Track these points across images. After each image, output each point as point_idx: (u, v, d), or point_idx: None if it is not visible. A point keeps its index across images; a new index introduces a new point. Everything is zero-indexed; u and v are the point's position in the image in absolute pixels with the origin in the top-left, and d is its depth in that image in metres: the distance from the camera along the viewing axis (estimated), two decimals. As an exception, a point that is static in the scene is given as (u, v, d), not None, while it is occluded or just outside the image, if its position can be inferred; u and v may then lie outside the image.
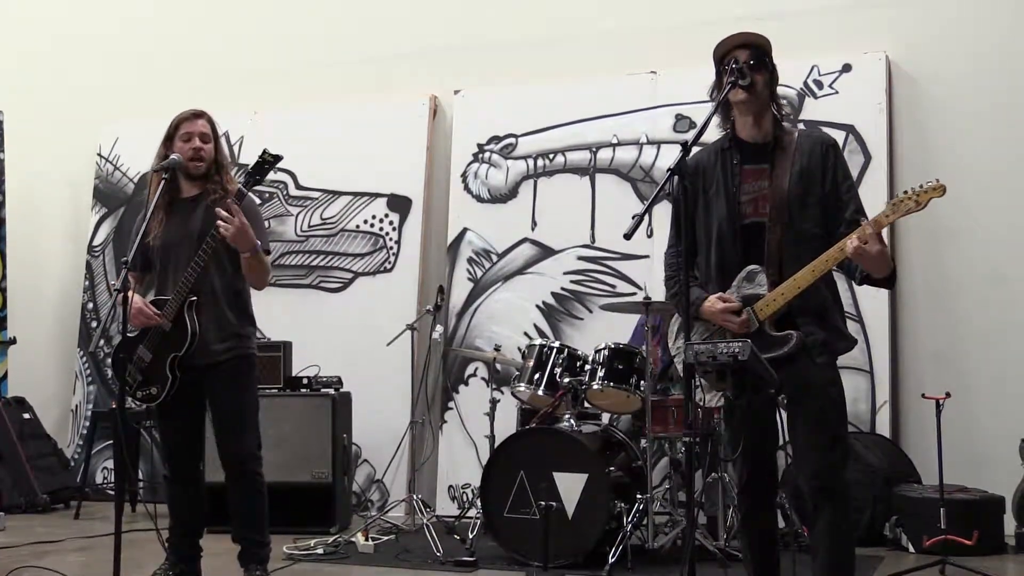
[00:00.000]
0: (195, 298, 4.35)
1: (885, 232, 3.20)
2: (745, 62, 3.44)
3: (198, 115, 4.51)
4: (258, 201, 4.58)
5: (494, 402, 5.90)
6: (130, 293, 4.10)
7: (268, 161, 4.30)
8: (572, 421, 5.35)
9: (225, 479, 4.49)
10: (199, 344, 4.37)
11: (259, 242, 4.35)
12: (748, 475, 3.54)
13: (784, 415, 3.48)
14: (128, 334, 4.17)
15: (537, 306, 7.04)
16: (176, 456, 4.54)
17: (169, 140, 4.48)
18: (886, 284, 3.42)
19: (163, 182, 4.32)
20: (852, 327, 5.94)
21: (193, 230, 4.39)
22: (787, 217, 3.43)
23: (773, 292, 3.39)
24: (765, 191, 3.46)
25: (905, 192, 3.30)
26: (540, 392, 5.59)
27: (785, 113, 3.64)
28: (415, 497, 6.26)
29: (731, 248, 3.49)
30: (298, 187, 7.74)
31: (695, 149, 3.43)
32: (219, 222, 4.19)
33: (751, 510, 3.58)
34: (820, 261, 3.33)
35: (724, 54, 3.51)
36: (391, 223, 7.47)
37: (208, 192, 4.46)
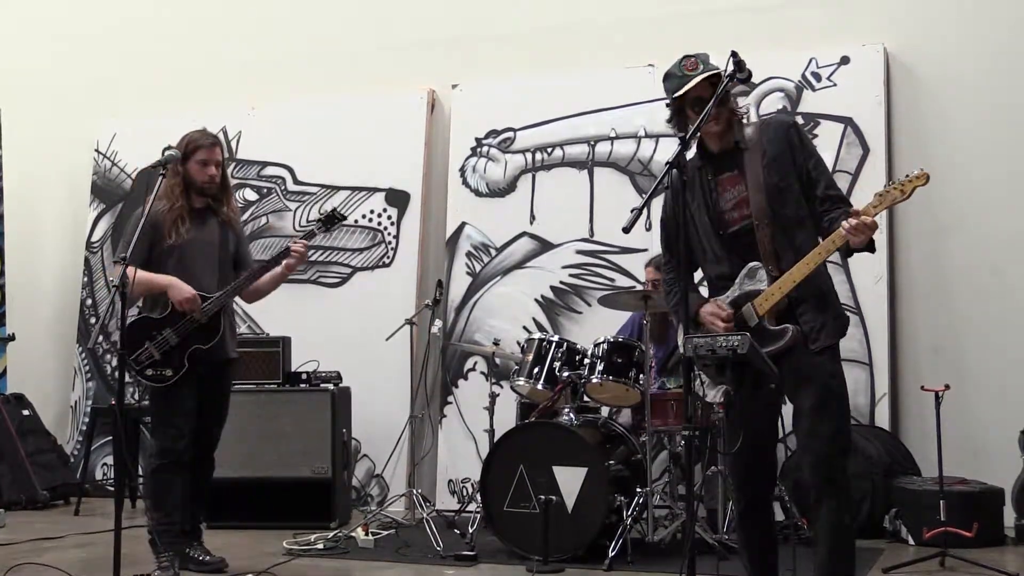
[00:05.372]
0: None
1: (882, 222, 3.24)
2: (710, 106, 3.37)
3: (215, 143, 4.92)
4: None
5: (493, 396, 5.90)
6: (128, 287, 4.13)
7: (337, 217, 5.01)
8: (571, 415, 5.34)
9: (196, 461, 4.82)
10: (220, 342, 4.83)
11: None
12: (744, 469, 3.54)
13: (786, 409, 3.49)
14: (153, 316, 4.74)
15: (536, 300, 7.04)
16: (181, 440, 4.72)
17: (184, 159, 4.80)
18: (868, 247, 3.41)
19: (162, 177, 4.54)
20: (851, 320, 6.00)
21: (212, 239, 4.90)
22: (770, 210, 3.45)
23: (771, 287, 3.40)
24: (744, 194, 3.49)
25: (891, 183, 3.35)
26: (539, 386, 5.58)
27: (741, 114, 3.60)
28: (415, 492, 6.26)
29: (726, 258, 3.52)
30: (296, 182, 7.73)
31: (694, 143, 3.44)
32: (297, 247, 4.84)
33: (748, 507, 3.58)
34: (813, 255, 3.36)
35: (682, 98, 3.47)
36: (389, 218, 7.46)
37: (216, 211, 4.94)
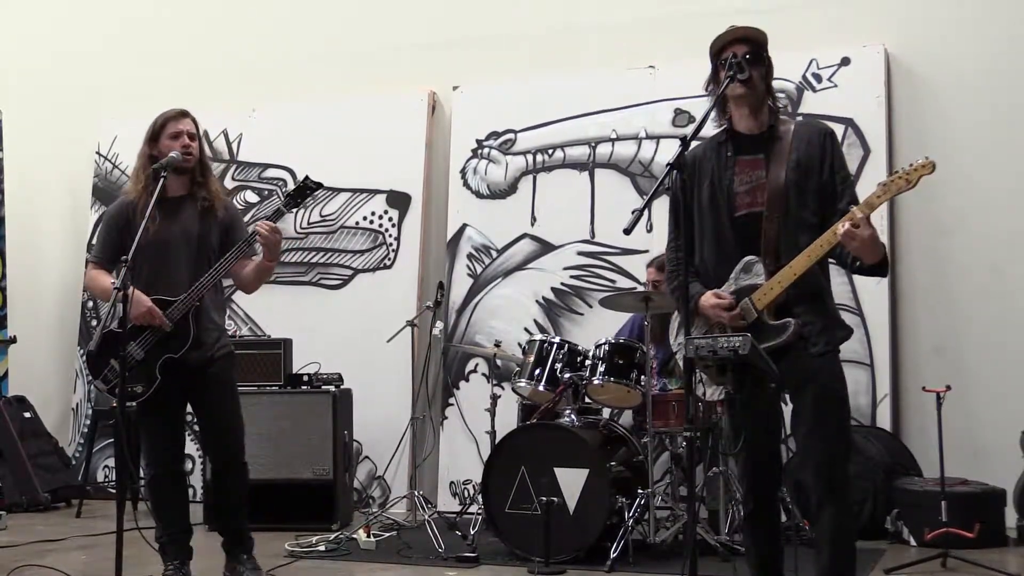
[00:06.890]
0: (198, 303, 4.45)
1: (883, 224, 3.22)
2: (743, 56, 3.45)
3: (183, 114, 4.58)
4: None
5: (495, 398, 5.90)
6: (130, 290, 4.11)
7: (310, 187, 4.53)
8: (573, 416, 5.35)
9: (215, 471, 4.66)
10: (194, 347, 4.45)
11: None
12: (752, 470, 3.53)
13: (788, 408, 3.48)
14: (119, 330, 4.19)
15: (537, 302, 7.04)
16: (168, 451, 4.57)
17: (154, 140, 4.55)
18: (878, 271, 3.40)
19: (162, 180, 4.34)
20: (852, 320, 6.00)
21: (190, 231, 4.50)
22: (784, 206, 3.42)
23: (770, 281, 3.39)
24: (762, 181, 3.46)
25: (896, 172, 3.31)
26: (541, 388, 5.59)
27: (782, 106, 3.63)
28: (416, 493, 6.26)
29: (728, 240, 3.49)
30: (297, 184, 7.73)
31: (694, 143, 3.43)
32: (261, 229, 4.38)
33: (756, 508, 3.56)
34: (815, 246, 3.33)
35: (721, 48, 3.52)
36: (391, 219, 7.47)
37: (196, 196, 4.55)
